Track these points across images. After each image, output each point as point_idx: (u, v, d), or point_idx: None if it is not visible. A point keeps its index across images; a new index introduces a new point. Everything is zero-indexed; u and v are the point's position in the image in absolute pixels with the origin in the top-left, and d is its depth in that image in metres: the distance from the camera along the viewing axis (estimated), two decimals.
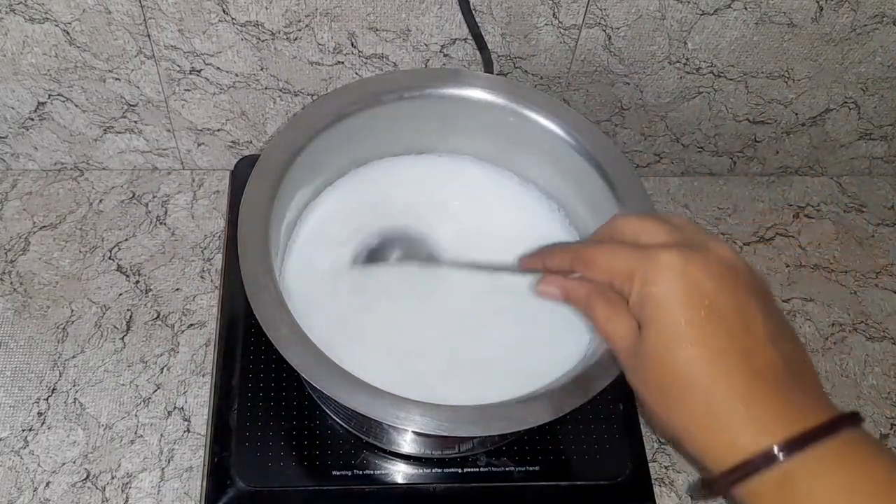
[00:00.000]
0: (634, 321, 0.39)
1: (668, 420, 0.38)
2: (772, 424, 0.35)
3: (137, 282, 0.67)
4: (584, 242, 0.43)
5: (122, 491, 0.57)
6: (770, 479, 0.35)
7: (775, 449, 0.34)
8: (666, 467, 0.61)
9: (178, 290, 0.67)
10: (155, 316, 0.65)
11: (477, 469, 0.56)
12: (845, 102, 0.73)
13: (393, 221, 0.60)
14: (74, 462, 0.58)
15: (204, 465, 0.58)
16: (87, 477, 0.57)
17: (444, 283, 0.57)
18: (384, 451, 0.56)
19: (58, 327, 0.64)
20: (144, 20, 0.61)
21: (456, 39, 0.65)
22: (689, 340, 0.37)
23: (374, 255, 0.57)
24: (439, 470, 0.56)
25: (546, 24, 0.64)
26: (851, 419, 0.35)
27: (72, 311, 0.65)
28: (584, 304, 0.42)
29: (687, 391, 0.37)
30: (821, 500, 0.34)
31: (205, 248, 0.69)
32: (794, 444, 0.34)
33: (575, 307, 0.43)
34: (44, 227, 0.69)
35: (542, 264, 0.45)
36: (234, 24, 0.62)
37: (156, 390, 0.61)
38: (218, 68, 0.65)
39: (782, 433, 0.35)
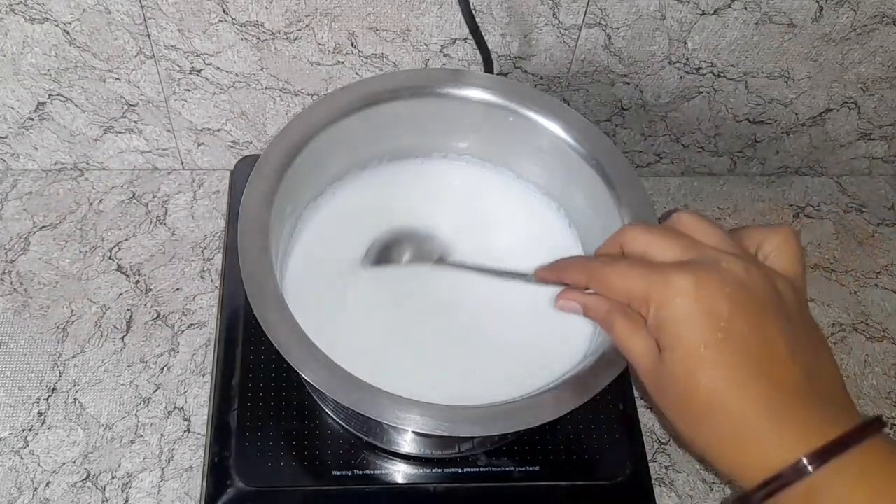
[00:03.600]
0: (653, 341, 0.39)
1: (695, 439, 0.39)
2: (797, 438, 0.36)
3: (137, 282, 0.67)
4: (599, 259, 0.43)
5: (122, 491, 0.57)
6: (799, 492, 0.35)
7: (803, 461, 0.35)
8: (666, 467, 0.61)
9: (178, 290, 0.67)
10: (155, 316, 0.65)
11: (477, 469, 0.56)
12: (845, 102, 0.73)
13: (394, 221, 0.60)
14: (74, 462, 0.58)
15: (204, 465, 0.58)
16: (87, 477, 0.57)
17: (446, 286, 0.57)
18: (384, 451, 0.56)
19: (58, 327, 0.64)
20: (144, 20, 0.61)
21: (456, 39, 0.65)
22: (709, 363, 0.37)
23: (383, 255, 0.57)
24: (439, 470, 0.56)
25: (546, 24, 0.64)
26: (874, 426, 0.36)
27: (72, 311, 0.65)
28: (604, 320, 0.42)
29: (711, 413, 0.37)
30: None
31: (205, 248, 0.69)
32: (820, 456, 0.35)
33: (595, 321, 0.43)
34: (44, 227, 0.69)
35: (558, 278, 0.45)
36: (234, 24, 0.62)
37: (156, 390, 0.61)
38: (218, 68, 0.65)
39: (807, 446, 0.35)
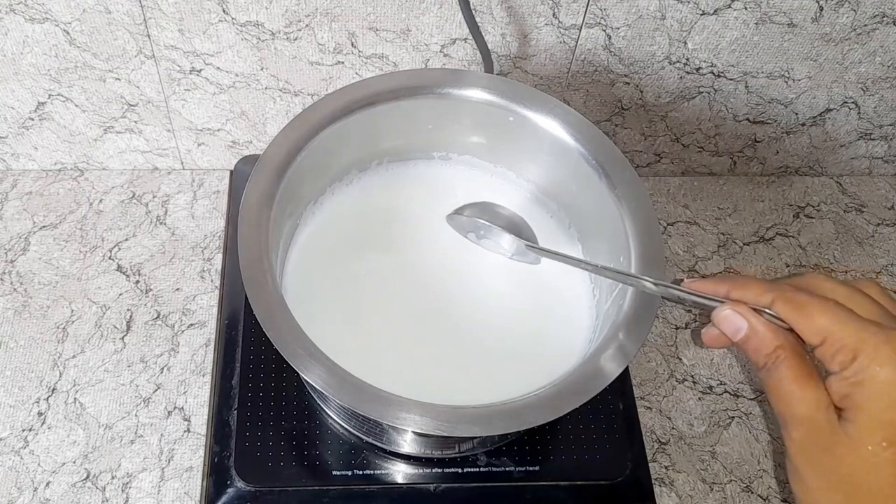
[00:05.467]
0: (827, 395, 0.35)
1: None
2: None
3: (137, 282, 0.67)
4: (792, 285, 0.38)
5: (122, 491, 0.57)
6: None
7: None
8: (666, 467, 0.61)
9: (178, 290, 0.67)
10: (155, 316, 0.65)
11: (477, 469, 0.56)
12: (845, 102, 0.73)
13: (395, 222, 0.60)
14: (74, 462, 0.58)
15: (204, 465, 0.58)
16: (87, 477, 0.57)
17: (445, 286, 0.57)
18: (384, 451, 0.56)
19: (58, 327, 0.64)
20: (144, 20, 0.61)
21: (456, 39, 0.65)
22: None
23: (473, 212, 0.54)
24: (439, 470, 0.56)
25: (546, 24, 0.64)
26: None
27: (72, 311, 0.65)
28: (769, 354, 0.37)
29: (892, 498, 0.33)
30: None
31: (205, 248, 0.69)
32: None
33: (752, 354, 0.38)
34: (44, 227, 0.69)
35: (725, 291, 0.39)
36: (234, 23, 0.62)
37: (156, 390, 0.61)
38: (218, 68, 0.65)
39: None
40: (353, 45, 0.64)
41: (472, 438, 0.55)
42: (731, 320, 0.38)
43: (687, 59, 0.68)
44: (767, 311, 0.37)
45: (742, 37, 0.66)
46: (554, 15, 0.63)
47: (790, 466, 0.36)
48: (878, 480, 0.33)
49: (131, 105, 0.68)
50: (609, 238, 0.55)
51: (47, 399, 0.60)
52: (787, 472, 0.36)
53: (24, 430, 0.59)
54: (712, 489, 0.61)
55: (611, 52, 0.66)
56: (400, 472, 0.56)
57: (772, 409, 0.37)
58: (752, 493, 0.61)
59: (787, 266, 0.73)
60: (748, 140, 0.76)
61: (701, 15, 0.64)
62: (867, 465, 0.33)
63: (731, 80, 0.70)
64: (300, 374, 0.44)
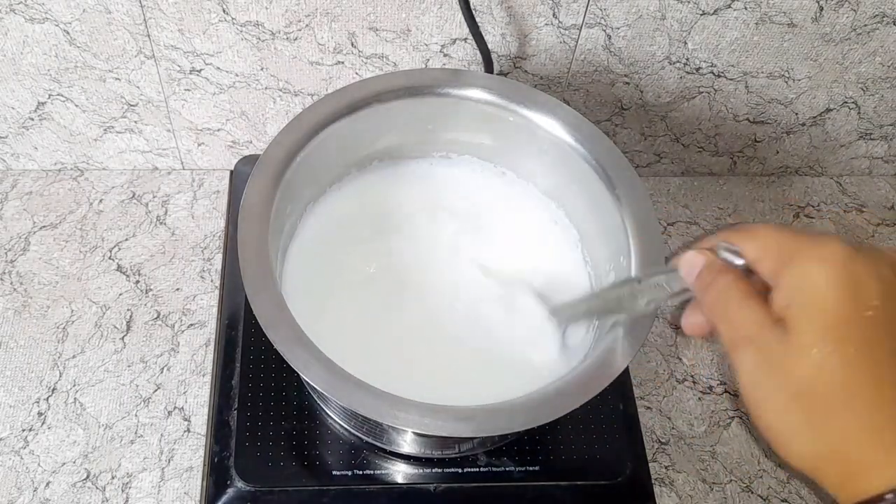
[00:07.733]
0: (770, 313, 0.34)
1: (810, 434, 0.33)
2: None
3: (137, 282, 0.67)
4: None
5: (122, 491, 0.57)
6: None
7: None
8: (666, 467, 0.61)
9: (178, 290, 0.67)
10: (155, 316, 0.65)
11: (477, 469, 0.56)
12: (845, 102, 0.73)
13: (393, 222, 0.60)
14: (74, 462, 0.58)
15: (204, 465, 0.58)
16: (87, 477, 0.57)
17: (447, 285, 0.57)
18: (384, 451, 0.56)
19: (58, 327, 0.64)
20: (144, 20, 0.61)
21: (456, 39, 0.65)
22: (854, 340, 0.32)
23: None
24: (439, 470, 0.56)
25: (546, 24, 0.64)
26: None
27: (72, 311, 0.65)
28: (715, 283, 0.37)
29: (845, 400, 0.32)
30: None
31: (205, 248, 0.69)
32: None
33: (700, 292, 0.38)
34: (44, 227, 0.69)
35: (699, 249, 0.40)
36: (234, 23, 0.62)
37: (156, 390, 0.61)
38: (218, 68, 0.65)
39: None
40: (353, 45, 0.64)
41: (472, 438, 0.55)
42: (690, 259, 0.39)
43: (687, 59, 0.68)
44: (721, 243, 0.38)
45: (742, 37, 0.66)
46: (554, 15, 0.63)
47: (745, 395, 0.35)
48: (829, 384, 0.32)
49: (131, 105, 0.68)
50: (609, 238, 0.55)
51: (47, 399, 0.60)
52: (745, 403, 0.36)
53: (24, 430, 0.59)
54: (712, 489, 0.61)
55: (611, 52, 0.66)
56: (400, 472, 0.56)
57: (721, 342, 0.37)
58: (752, 493, 0.61)
59: None
60: (748, 140, 0.76)
61: (701, 15, 0.64)
62: (817, 370, 0.32)
63: (731, 80, 0.70)
64: (300, 374, 0.44)
